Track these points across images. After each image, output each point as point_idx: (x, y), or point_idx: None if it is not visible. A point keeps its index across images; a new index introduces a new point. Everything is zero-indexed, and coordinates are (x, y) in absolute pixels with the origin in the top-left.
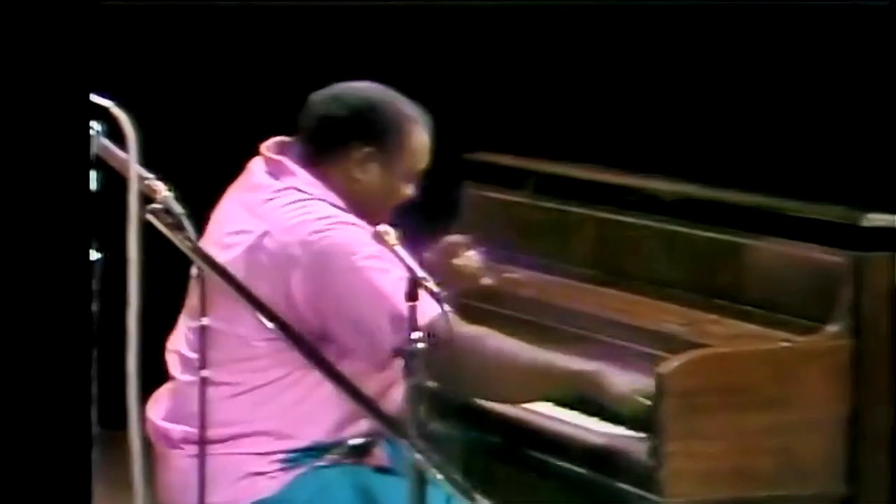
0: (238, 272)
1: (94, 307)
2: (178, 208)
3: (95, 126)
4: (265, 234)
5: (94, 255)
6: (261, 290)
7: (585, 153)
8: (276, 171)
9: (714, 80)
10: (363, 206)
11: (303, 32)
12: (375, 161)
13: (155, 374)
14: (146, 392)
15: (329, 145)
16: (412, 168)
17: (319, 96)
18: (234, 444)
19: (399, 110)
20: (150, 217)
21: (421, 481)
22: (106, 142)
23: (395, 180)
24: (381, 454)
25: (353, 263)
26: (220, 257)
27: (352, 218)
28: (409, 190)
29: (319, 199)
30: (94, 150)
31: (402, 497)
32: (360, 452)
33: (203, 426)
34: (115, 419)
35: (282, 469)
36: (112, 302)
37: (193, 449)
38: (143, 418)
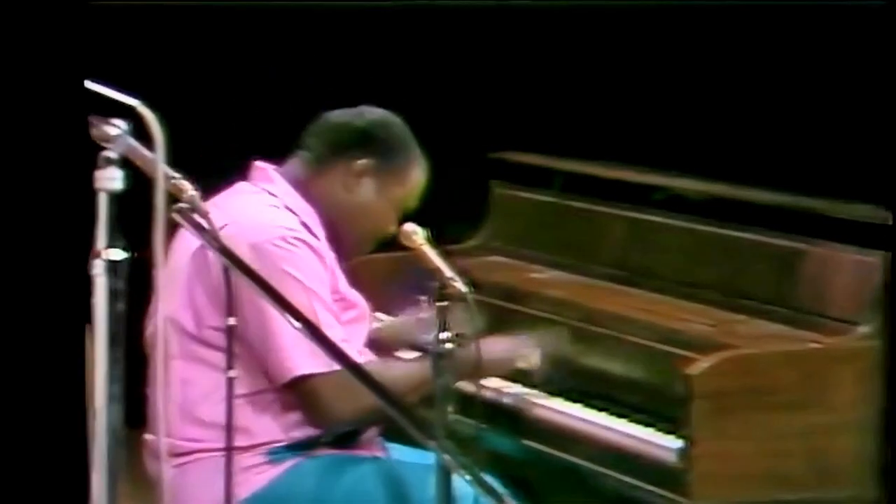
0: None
1: (121, 307)
2: (204, 207)
3: (122, 125)
4: (223, 227)
5: (122, 255)
6: (197, 280)
7: (612, 152)
8: (255, 176)
9: (741, 79)
10: (343, 226)
11: (329, 33)
12: (373, 177)
13: None
14: None
15: (332, 152)
16: (403, 199)
17: (335, 111)
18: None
19: (410, 140)
20: (176, 216)
21: (447, 482)
22: (132, 141)
23: (385, 205)
24: (376, 445)
25: (295, 281)
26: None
27: (312, 239)
28: (391, 224)
29: (287, 209)
30: (119, 149)
31: (408, 486)
32: (350, 441)
33: (230, 426)
34: (140, 418)
35: (271, 462)
36: (137, 301)
37: (175, 458)
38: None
